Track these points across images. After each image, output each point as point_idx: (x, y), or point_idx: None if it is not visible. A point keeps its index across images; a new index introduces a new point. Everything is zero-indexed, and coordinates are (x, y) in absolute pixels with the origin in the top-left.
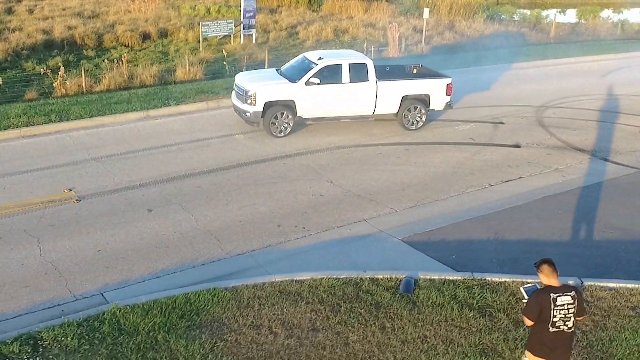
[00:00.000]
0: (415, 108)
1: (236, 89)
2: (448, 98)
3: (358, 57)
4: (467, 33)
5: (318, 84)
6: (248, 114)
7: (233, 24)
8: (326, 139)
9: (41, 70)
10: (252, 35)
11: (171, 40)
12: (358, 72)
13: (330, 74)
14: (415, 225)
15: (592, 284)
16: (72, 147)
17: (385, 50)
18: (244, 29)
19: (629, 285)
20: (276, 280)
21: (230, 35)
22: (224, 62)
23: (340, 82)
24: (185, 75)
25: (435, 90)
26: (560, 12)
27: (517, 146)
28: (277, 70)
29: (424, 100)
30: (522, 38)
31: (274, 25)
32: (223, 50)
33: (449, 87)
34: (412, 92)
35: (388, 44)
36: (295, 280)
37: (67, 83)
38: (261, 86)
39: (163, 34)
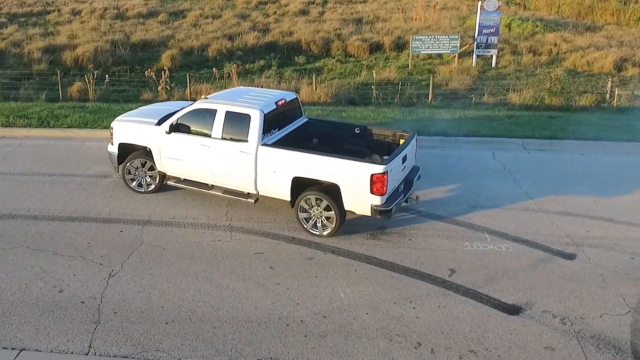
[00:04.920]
0: (317, 201)
1: None
2: (376, 199)
3: (248, 104)
4: None
5: (167, 132)
6: (109, 155)
7: (458, 42)
8: (208, 211)
9: (146, 72)
10: (491, 56)
11: (398, 55)
12: (236, 126)
13: (200, 122)
14: None
15: None
16: None
17: None
18: (477, 48)
19: None
20: None
21: (455, 55)
22: (372, 87)
23: (210, 136)
24: (308, 97)
25: (349, 181)
26: None
27: (515, 311)
28: (187, 105)
29: (331, 192)
30: None
31: (554, 47)
32: (374, 73)
33: (375, 181)
34: (308, 174)
35: None
36: None
37: (168, 88)
38: (120, 122)
39: (400, 46)
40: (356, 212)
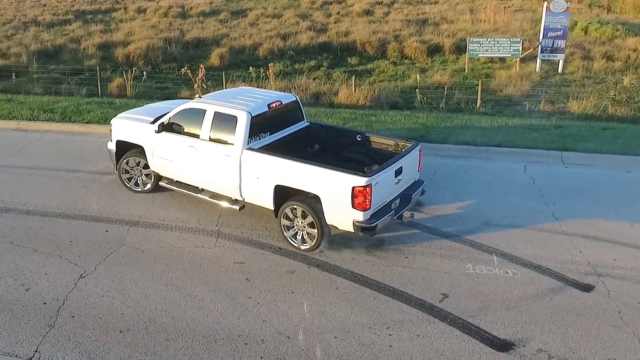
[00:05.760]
0: (299, 212)
1: None
2: (358, 214)
3: (236, 106)
4: None
5: (156, 131)
6: (109, 152)
7: (520, 45)
8: (200, 215)
9: (182, 70)
10: (558, 61)
11: (457, 58)
12: (223, 128)
13: (189, 122)
14: None
15: None
16: None
17: None
18: (542, 52)
19: None
20: None
21: (516, 58)
22: (416, 90)
23: (198, 137)
24: (346, 99)
25: (330, 193)
26: None
27: (506, 347)
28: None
29: (311, 204)
30: None
31: (632, 53)
32: (418, 76)
33: (357, 194)
34: (290, 182)
35: None
36: None
37: (204, 86)
38: (119, 119)
39: (461, 49)
40: (338, 227)
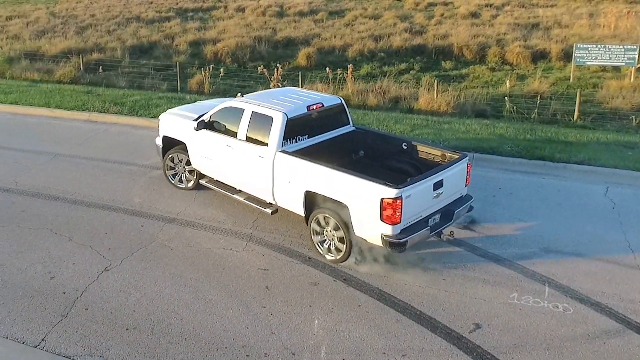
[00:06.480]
0: (326, 221)
1: None
2: (387, 228)
3: (274, 106)
4: None
5: (196, 129)
6: (156, 147)
7: (636, 53)
8: (237, 216)
9: (258, 69)
10: None
11: (564, 65)
12: (259, 129)
13: (228, 121)
14: None
15: None
16: None
17: None
18: None
19: None
20: None
21: (632, 68)
22: (505, 98)
23: (235, 137)
24: (427, 105)
25: (359, 203)
26: None
27: None
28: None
29: (339, 212)
30: None
31: None
32: (508, 82)
33: (385, 207)
34: (320, 189)
35: None
36: None
37: (280, 85)
38: (166, 115)
39: (570, 56)
40: (367, 240)
